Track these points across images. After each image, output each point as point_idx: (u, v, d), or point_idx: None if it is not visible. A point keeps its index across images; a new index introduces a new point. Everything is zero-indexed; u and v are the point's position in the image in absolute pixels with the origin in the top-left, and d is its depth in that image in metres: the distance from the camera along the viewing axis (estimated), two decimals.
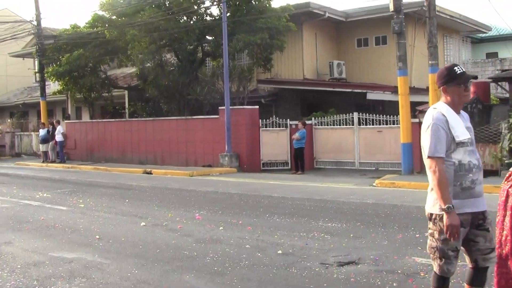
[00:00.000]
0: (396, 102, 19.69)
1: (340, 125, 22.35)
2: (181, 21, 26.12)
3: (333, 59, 27.91)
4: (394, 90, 21.23)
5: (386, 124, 21.18)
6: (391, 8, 18.95)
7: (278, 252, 8.42)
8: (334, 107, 23.99)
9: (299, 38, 27.12)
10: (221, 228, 10.39)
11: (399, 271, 7.18)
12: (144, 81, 27.98)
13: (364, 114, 21.86)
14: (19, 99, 43.72)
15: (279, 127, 22.92)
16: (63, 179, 21.27)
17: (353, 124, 21.93)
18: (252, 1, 25.03)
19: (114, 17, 28.17)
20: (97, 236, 9.94)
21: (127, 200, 14.65)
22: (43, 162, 28.98)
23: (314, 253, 8.28)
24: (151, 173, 22.44)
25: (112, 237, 9.89)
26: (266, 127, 22.82)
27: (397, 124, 19.89)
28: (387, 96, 23.47)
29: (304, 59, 27.44)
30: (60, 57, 29.35)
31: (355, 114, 21.89)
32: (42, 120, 31.76)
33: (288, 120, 22.95)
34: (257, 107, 23.31)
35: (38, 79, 35.73)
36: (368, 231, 9.77)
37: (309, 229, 10.02)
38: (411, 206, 12.57)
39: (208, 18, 26.36)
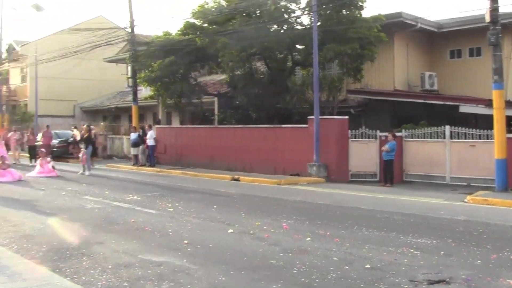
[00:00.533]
0: (490, 116, 19.05)
1: (431, 138, 21.86)
2: (271, 29, 26.19)
3: (424, 70, 27.37)
4: (488, 103, 20.57)
5: (480, 138, 20.57)
6: (487, 19, 18.30)
7: (366, 266, 8.30)
8: (425, 119, 23.50)
9: (390, 48, 26.72)
10: (308, 238, 10.34)
11: None
12: (233, 88, 28.22)
13: (456, 127, 21.31)
14: (111, 103, 45.01)
15: (369, 138, 22.66)
16: (152, 183, 21.72)
17: (444, 138, 21.40)
18: (343, 10, 24.82)
19: (205, 25, 28.50)
20: (186, 241, 10.08)
21: (215, 206, 14.79)
22: (133, 165, 29.66)
23: (403, 269, 8.13)
24: (238, 180, 22.58)
25: (200, 242, 10.00)
26: (355, 137, 22.60)
27: (491, 138, 19.24)
28: (480, 110, 22.75)
29: (395, 69, 27.03)
30: (152, 63, 29.93)
31: (447, 127, 21.36)
32: (134, 124, 32.51)
33: (378, 131, 22.62)
34: (347, 117, 23.10)
35: (130, 84, 36.67)
36: (460, 249, 9.50)
37: (398, 244, 9.84)
38: (505, 225, 12.16)
39: (298, 27, 26.30)
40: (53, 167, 24.19)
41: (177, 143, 29.73)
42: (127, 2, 33.38)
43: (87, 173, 24.82)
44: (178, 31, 29.78)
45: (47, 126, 34.53)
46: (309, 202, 16.01)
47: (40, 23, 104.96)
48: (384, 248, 9.51)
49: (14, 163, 29.96)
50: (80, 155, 26.13)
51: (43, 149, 27.33)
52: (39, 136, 33.56)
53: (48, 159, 25.17)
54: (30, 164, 29.83)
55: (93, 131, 29.59)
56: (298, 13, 26.29)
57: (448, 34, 27.29)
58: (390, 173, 20.96)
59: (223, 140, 26.94)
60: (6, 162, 22.96)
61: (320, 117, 22.54)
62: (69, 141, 33.29)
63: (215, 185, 20.94)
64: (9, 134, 34.16)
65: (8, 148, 32.21)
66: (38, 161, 24.83)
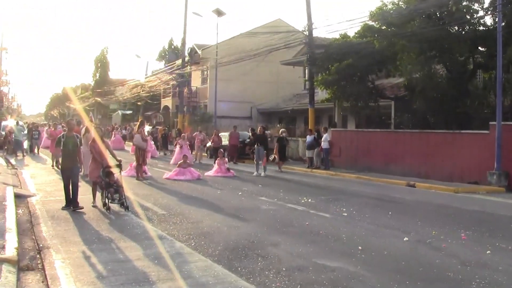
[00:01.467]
0: None
1: None
2: (452, 31, 25.41)
3: None
4: None
5: None
6: None
7: None
8: None
9: None
10: (488, 252, 9.92)
11: None
12: (411, 92, 27.68)
13: None
14: (288, 105, 45.77)
15: None
16: (326, 186, 21.85)
17: None
18: None
19: (383, 27, 28.25)
20: (360, 247, 10.05)
21: (389, 213, 14.61)
22: (308, 167, 29.96)
23: None
24: (414, 186, 22.11)
25: (375, 249, 9.93)
26: None
27: None
28: None
29: None
30: (330, 66, 30.10)
31: None
32: (310, 127, 32.82)
33: None
34: None
35: (307, 86, 37.05)
36: None
37: None
38: None
39: (480, 28, 25.31)
40: (228, 169, 25.05)
41: (352, 147, 29.67)
42: (305, 5, 33.74)
43: (262, 174, 25.43)
44: (356, 33, 29.77)
45: (234, 127, 35.59)
46: (488, 213, 15.33)
47: (220, 27, 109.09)
48: None
49: (195, 161, 31.41)
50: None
51: (221, 149, 28.39)
52: (226, 137, 34.75)
53: (226, 159, 26.12)
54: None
55: (268, 132, 30.42)
56: (480, 13, 25.30)
57: None
58: None
59: (399, 144, 26.51)
60: (188, 161, 24.10)
61: (503, 122, 21.49)
62: (246, 142, 34.19)
63: (390, 190, 20.67)
64: (194, 134, 35.80)
65: (192, 147, 33.84)
66: (216, 161, 25.75)
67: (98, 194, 14.70)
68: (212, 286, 7.52)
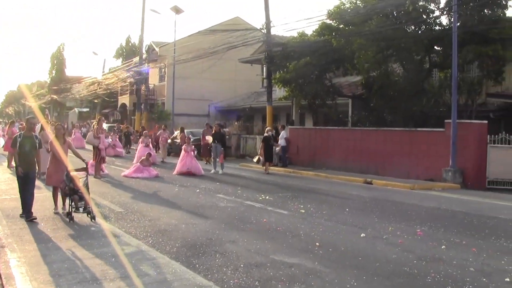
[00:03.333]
0: None
1: None
2: (409, 30, 25.72)
3: None
4: None
5: None
6: None
7: (506, 279, 8.00)
8: None
9: None
10: (443, 247, 10.09)
11: None
12: (368, 90, 27.93)
13: None
14: (246, 103, 45.76)
15: (509, 144, 21.70)
16: (284, 183, 21.93)
17: None
18: (485, 10, 23.93)
19: (341, 26, 28.43)
20: (317, 243, 10.12)
21: (347, 209, 14.74)
22: None
23: None
24: (371, 183, 22.34)
25: (332, 245, 10.01)
26: (494, 143, 21.73)
27: None
28: None
29: None
30: (287, 64, 30.21)
31: None
32: (267, 125, 32.76)
33: None
34: (486, 122, 22.24)
35: (265, 84, 37.07)
36: None
37: None
38: None
39: (437, 28, 25.65)
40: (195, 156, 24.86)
41: (310, 144, 29.82)
42: (263, 3, 33.80)
43: (220, 171, 25.36)
44: (314, 32, 29.91)
45: (207, 125, 32.78)
46: (444, 209, 15.56)
47: (178, 25, 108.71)
48: None
49: (162, 161, 30.94)
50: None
51: (189, 136, 27.90)
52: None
53: (193, 146, 25.53)
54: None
55: (226, 130, 30.14)
56: (437, 13, 25.65)
57: None
58: None
59: (357, 142, 26.73)
60: (150, 159, 23.91)
61: (458, 120, 21.85)
62: None
63: (348, 187, 20.85)
64: (158, 133, 35.34)
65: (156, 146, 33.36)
66: (183, 147, 25.15)
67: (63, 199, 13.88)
68: (170, 283, 7.47)
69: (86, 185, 12.52)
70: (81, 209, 12.19)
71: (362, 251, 9.64)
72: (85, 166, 13.00)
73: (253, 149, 35.87)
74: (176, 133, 36.62)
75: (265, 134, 27.80)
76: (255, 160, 27.87)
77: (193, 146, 25.49)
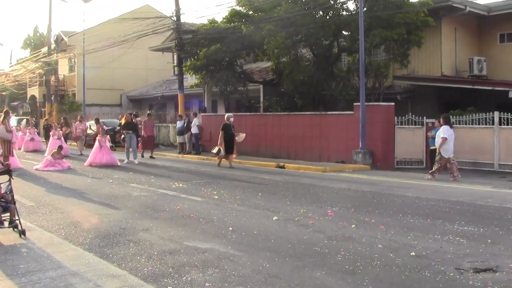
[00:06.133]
0: None
1: (479, 124, 21.47)
2: (317, 16, 26.06)
3: (473, 55, 26.85)
4: None
5: None
6: None
7: (411, 254, 8.24)
8: (473, 105, 23.08)
9: (438, 33, 26.30)
10: (353, 226, 10.32)
11: None
12: (279, 75, 28.19)
13: (505, 113, 20.88)
14: (157, 91, 45.45)
15: (415, 124, 22.42)
16: (198, 171, 21.89)
17: (493, 124, 21.02)
18: None
19: (250, 12, 28.53)
20: (230, 228, 10.15)
21: (260, 194, 14.85)
22: (179, 153, 29.91)
23: (448, 257, 8.05)
24: (284, 168, 22.59)
25: (245, 229, 10.06)
26: (401, 124, 22.39)
27: None
28: None
29: (443, 55, 26.59)
30: (198, 51, 30.11)
31: (496, 114, 20.94)
32: (179, 113, 32.59)
33: (425, 118, 22.36)
34: (393, 104, 22.88)
35: (176, 72, 36.78)
36: (508, 238, 9.37)
37: (444, 232, 9.75)
38: None
39: (344, 13, 26.09)
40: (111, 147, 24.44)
41: None
42: None
43: (136, 161, 24.97)
44: (224, 18, 29.87)
45: (149, 115, 30.91)
46: (354, 190, 15.93)
47: (87, 14, 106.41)
48: (430, 236, 9.42)
49: (80, 154, 29.82)
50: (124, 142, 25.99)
51: (104, 127, 27.20)
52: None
53: (108, 136, 24.89)
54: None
55: (138, 119, 29.58)
56: None
57: (498, 18, 26.69)
58: None
59: (269, 127, 26.96)
60: (62, 152, 23.25)
61: (366, 103, 22.37)
62: (116, 130, 33.34)
63: (261, 172, 21.01)
64: (75, 124, 34.14)
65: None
66: (97, 138, 24.54)
67: None
68: (83, 274, 7.32)
69: (11, 191, 10.05)
70: (6, 223, 9.51)
71: (275, 233, 9.73)
72: (7, 169, 10.60)
73: (166, 137, 35.74)
74: (89, 123, 35.63)
75: (226, 122, 23.65)
76: (214, 151, 23.54)
77: (108, 137, 24.93)
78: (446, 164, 18.52)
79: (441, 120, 18.89)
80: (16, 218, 9.59)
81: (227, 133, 23.19)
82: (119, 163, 23.71)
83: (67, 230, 10.19)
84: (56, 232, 10.00)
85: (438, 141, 18.51)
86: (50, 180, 18.48)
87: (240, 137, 23.67)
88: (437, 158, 18.60)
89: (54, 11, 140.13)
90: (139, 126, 27.97)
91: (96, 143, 24.03)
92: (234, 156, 23.58)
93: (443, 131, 18.32)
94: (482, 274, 7.18)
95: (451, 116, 21.12)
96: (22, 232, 9.49)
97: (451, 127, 18.78)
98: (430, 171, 18.94)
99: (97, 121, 31.62)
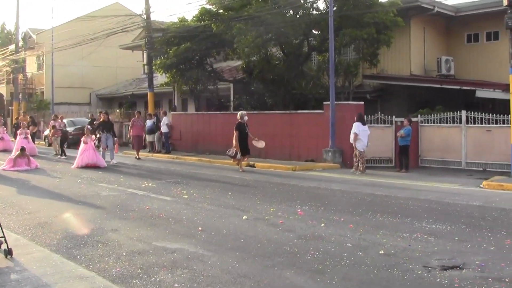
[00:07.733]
0: (508, 101, 18.91)
1: (447, 123, 21.70)
2: (287, 15, 26.10)
3: (441, 55, 27.16)
4: (506, 88, 20.34)
5: (496, 123, 20.39)
6: (505, 2, 18.12)
7: (380, 252, 8.30)
8: (442, 104, 23.34)
9: (407, 33, 26.54)
10: (322, 225, 10.35)
11: (506, 280, 6.91)
12: (249, 74, 28.18)
13: (472, 112, 21.14)
14: (127, 90, 45.09)
15: (384, 123, 22.58)
16: (167, 170, 21.79)
17: (460, 123, 21.26)
18: None
19: (221, 11, 28.47)
20: (200, 228, 10.11)
21: (229, 193, 14.83)
22: (149, 152, 29.73)
23: (416, 255, 8.11)
24: (254, 166, 22.57)
25: (215, 229, 10.03)
26: (371, 123, 22.49)
27: (508, 123, 19.11)
28: (497, 94, 22.59)
29: (412, 54, 26.87)
30: (168, 50, 29.97)
31: (463, 112, 21.20)
32: (149, 111, 32.38)
33: (394, 116, 22.54)
34: (362, 103, 22.96)
35: (146, 71, 36.53)
36: (474, 235, 9.47)
37: (413, 230, 9.83)
38: None
39: (314, 12, 26.17)
40: (97, 147, 23.98)
41: (192, 130, 29.79)
42: None
43: (114, 161, 24.39)
44: (194, 17, 29.75)
45: (138, 113, 29.07)
46: (324, 188, 16.00)
47: (56, 11, 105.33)
48: (398, 234, 9.50)
49: (55, 155, 29.03)
50: (98, 143, 25.09)
51: (89, 126, 26.57)
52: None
53: (93, 136, 24.22)
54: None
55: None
56: None
57: (465, 18, 27.05)
58: (406, 158, 20.89)
59: None
60: (27, 153, 22.79)
61: (336, 102, 22.46)
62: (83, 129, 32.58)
63: (230, 172, 20.96)
64: (50, 123, 33.33)
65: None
66: (82, 138, 23.85)
67: None
68: (50, 276, 7.22)
69: None
70: None
71: (244, 233, 9.72)
72: None
73: None
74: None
75: (239, 121, 21.51)
76: (230, 154, 21.48)
77: (93, 137, 24.17)
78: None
79: (355, 117, 20.45)
80: (2, 236, 8.41)
81: (242, 133, 21.40)
82: (105, 164, 23.11)
83: (34, 231, 10.06)
84: (22, 234, 9.86)
85: (351, 137, 20.31)
86: (18, 180, 18.26)
87: (260, 143, 22.34)
88: (354, 152, 20.30)
89: (21, 8, 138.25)
90: (127, 124, 27.32)
91: (82, 144, 23.31)
92: (248, 157, 22.02)
93: (355, 128, 20.10)
94: (449, 272, 7.25)
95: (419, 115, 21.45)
96: (9, 252, 8.20)
97: (363, 124, 20.45)
98: (353, 169, 20.37)
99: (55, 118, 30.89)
